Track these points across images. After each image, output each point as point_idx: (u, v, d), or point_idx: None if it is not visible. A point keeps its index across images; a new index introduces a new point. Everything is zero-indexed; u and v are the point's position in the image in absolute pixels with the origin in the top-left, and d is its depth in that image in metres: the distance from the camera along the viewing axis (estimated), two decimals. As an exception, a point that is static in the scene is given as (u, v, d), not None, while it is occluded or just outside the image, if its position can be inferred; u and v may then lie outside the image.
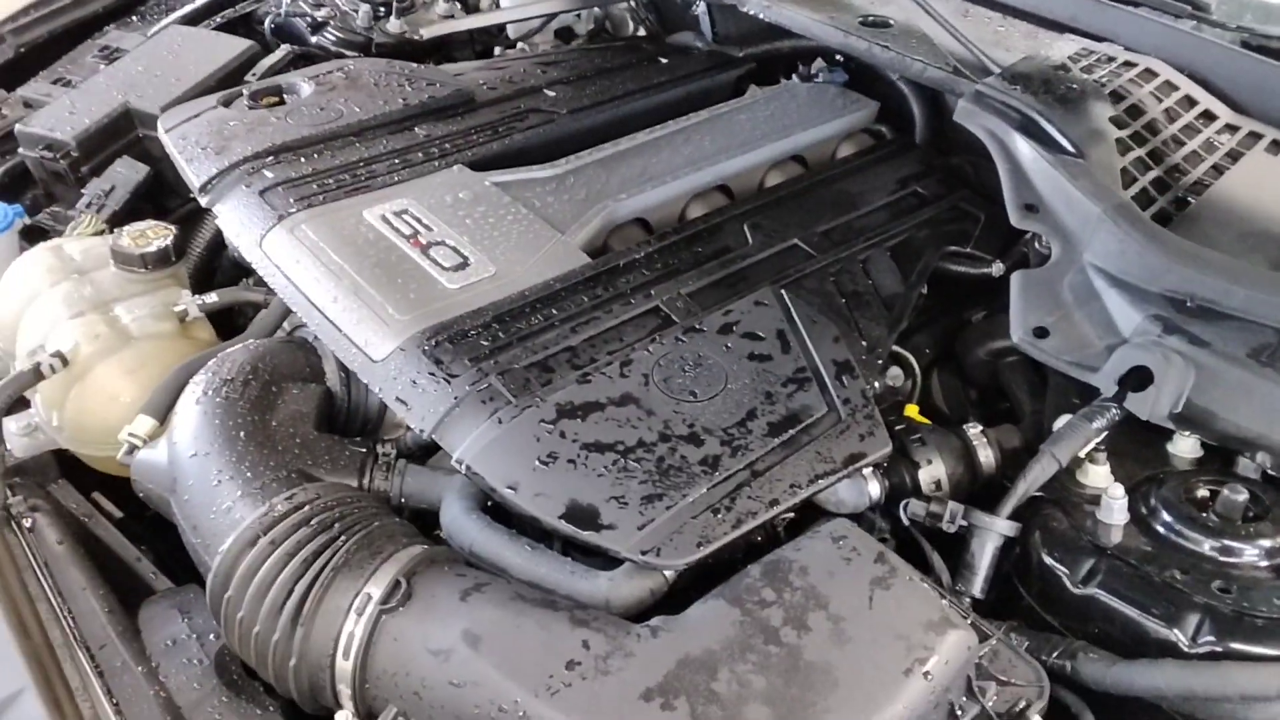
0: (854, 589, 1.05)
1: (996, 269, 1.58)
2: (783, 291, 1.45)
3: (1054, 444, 1.23)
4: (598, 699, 0.97)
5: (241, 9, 2.50)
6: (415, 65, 2.01)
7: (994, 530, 1.20)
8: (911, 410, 1.44)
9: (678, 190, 1.72)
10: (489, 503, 1.22)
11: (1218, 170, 1.53)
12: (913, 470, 1.29)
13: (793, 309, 1.42)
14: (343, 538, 1.12)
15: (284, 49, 2.28)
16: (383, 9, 2.37)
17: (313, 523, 1.14)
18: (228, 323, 1.76)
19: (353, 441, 1.36)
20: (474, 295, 1.39)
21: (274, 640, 1.08)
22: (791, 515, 1.21)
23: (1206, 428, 1.23)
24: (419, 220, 1.53)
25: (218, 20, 2.44)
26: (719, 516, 1.13)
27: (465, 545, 1.18)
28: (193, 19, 2.42)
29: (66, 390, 1.55)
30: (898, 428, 1.33)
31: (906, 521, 1.25)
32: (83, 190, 1.94)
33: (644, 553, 1.09)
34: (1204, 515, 1.17)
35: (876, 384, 1.34)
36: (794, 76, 2.14)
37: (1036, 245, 1.48)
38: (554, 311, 1.38)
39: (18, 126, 1.99)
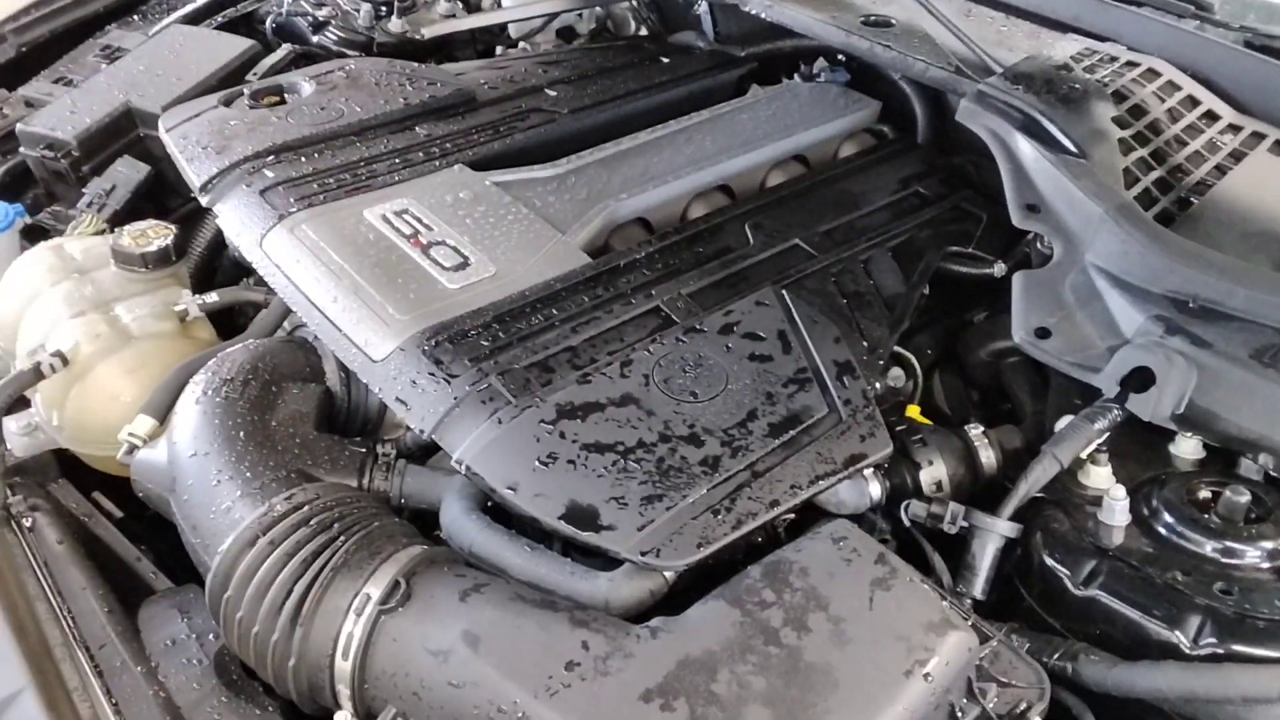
0: (854, 590, 1.04)
1: (998, 269, 1.58)
2: (784, 292, 1.45)
3: (1055, 445, 1.23)
4: (597, 700, 0.97)
5: (243, 8, 2.50)
6: (416, 65, 2.01)
7: (995, 531, 1.20)
8: (913, 411, 1.44)
9: (679, 190, 1.72)
10: (489, 503, 1.22)
11: (1220, 170, 1.53)
12: (914, 471, 1.29)
13: (794, 309, 1.42)
14: (342, 538, 1.12)
15: (285, 48, 2.28)
16: (384, 8, 2.37)
17: (312, 523, 1.13)
18: (228, 322, 1.76)
19: (353, 441, 1.36)
20: (474, 295, 1.39)
21: (273, 640, 1.08)
22: (792, 516, 1.21)
23: (1208, 429, 1.22)
24: (419, 220, 1.53)
25: (219, 20, 2.44)
26: (719, 517, 1.13)
27: (465, 546, 1.18)
28: (194, 18, 2.42)
29: (67, 390, 1.54)
30: (899, 428, 1.33)
31: (907, 522, 1.24)
32: (84, 190, 1.94)
33: (644, 553, 1.08)
34: (1206, 517, 1.17)
35: (878, 384, 1.34)
36: (796, 76, 2.13)
37: (1038, 246, 1.48)
38: (554, 311, 1.38)
39: (19, 126, 1.99)
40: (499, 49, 2.45)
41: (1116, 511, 1.17)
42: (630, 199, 1.66)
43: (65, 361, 1.53)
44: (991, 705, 1.00)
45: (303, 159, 1.67)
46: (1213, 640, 1.06)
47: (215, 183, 1.63)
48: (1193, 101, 1.63)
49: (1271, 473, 1.22)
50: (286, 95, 1.85)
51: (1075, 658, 1.09)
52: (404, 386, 1.27)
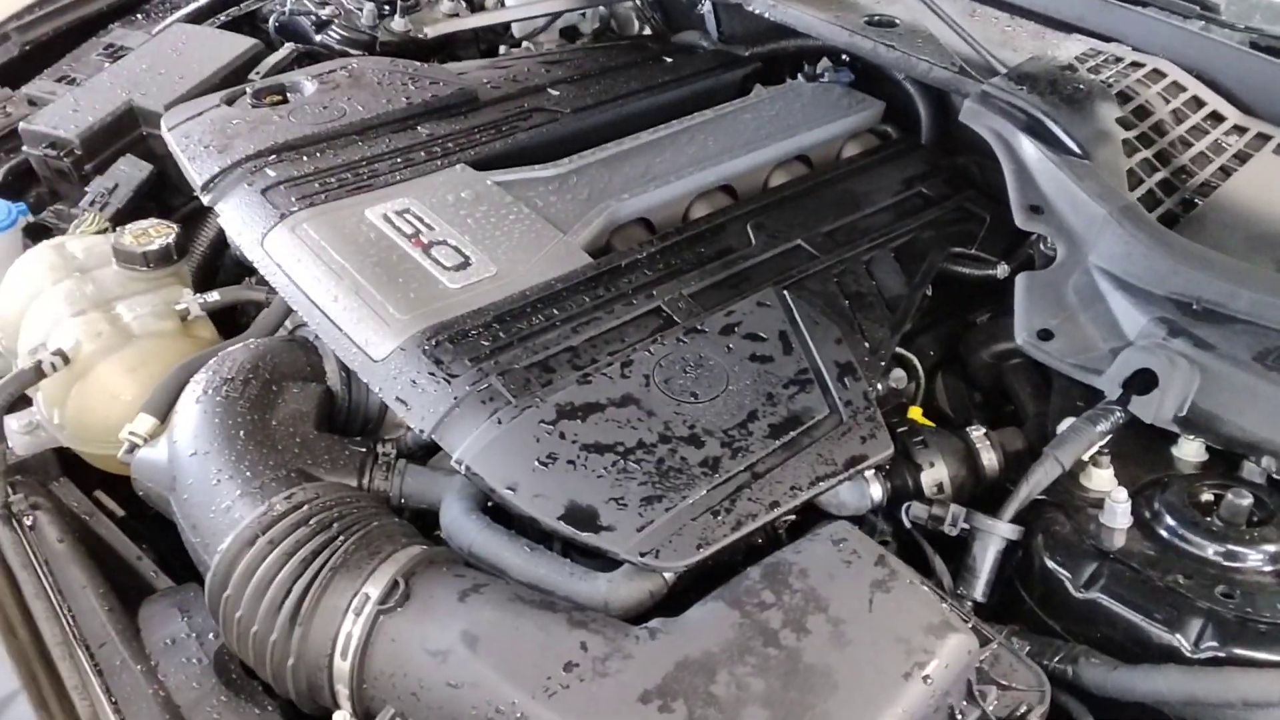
0: (854, 592, 1.04)
1: (1001, 270, 1.57)
2: (785, 292, 1.45)
3: (1057, 447, 1.23)
4: (595, 701, 0.97)
5: (246, 7, 2.49)
6: (419, 64, 2.01)
7: (996, 533, 1.20)
8: (915, 412, 1.43)
9: (681, 190, 1.72)
10: (489, 503, 1.22)
11: (1225, 172, 1.52)
12: (915, 472, 1.28)
13: (795, 310, 1.41)
14: (341, 537, 1.12)
15: (288, 47, 2.27)
16: (387, 7, 2.37)
17: (311, 522, 1.13)
18: (229, 321, 1.76)
19: (353, 441, 1.36)
20: (475, 295, 1.39)
21: (272, 640, 1.08)
22: (792, 517, 1.21)
23: (1211, 431, 1.22)
24: (421, 219, 1.53)
25: (222, 18, 2.44)
26: (719, 518, 1.12)
27: (464, 546, 1.18)
28: (197, 17, 2.42)
29: (68, 388, 1.55)
30: (900, 430, 1.32)
31: (908, 524, 1.24)
32: (86, 188, 1.94)
33: (643, 554, 1.08)
34: (1208, 520, 1.16)
35: (879, 386, 1.34)
36: (799, 76, 2.13)
37: (1041, 247, 1.48)
38: (555, 311, 1.38)
39: (22, 124, 1.99)
40: (502, 48, 2.45)
41: (1118, 514, 1.16)
42: (632, 199, 1.66)
43: (66, 360, 1.54)
44: (991, 708, 1.00)
45: (305, 158, 1.67)
46: (1214, 644, 1.06)
47: (217, 181, 1.63)
48: (1198, 103, 1.63)
49: (1274, 475, 1.21)
50: (289, 94, 1.85)
51: (1076, 660, 1.09)
52: (404, 386, 1.27)
